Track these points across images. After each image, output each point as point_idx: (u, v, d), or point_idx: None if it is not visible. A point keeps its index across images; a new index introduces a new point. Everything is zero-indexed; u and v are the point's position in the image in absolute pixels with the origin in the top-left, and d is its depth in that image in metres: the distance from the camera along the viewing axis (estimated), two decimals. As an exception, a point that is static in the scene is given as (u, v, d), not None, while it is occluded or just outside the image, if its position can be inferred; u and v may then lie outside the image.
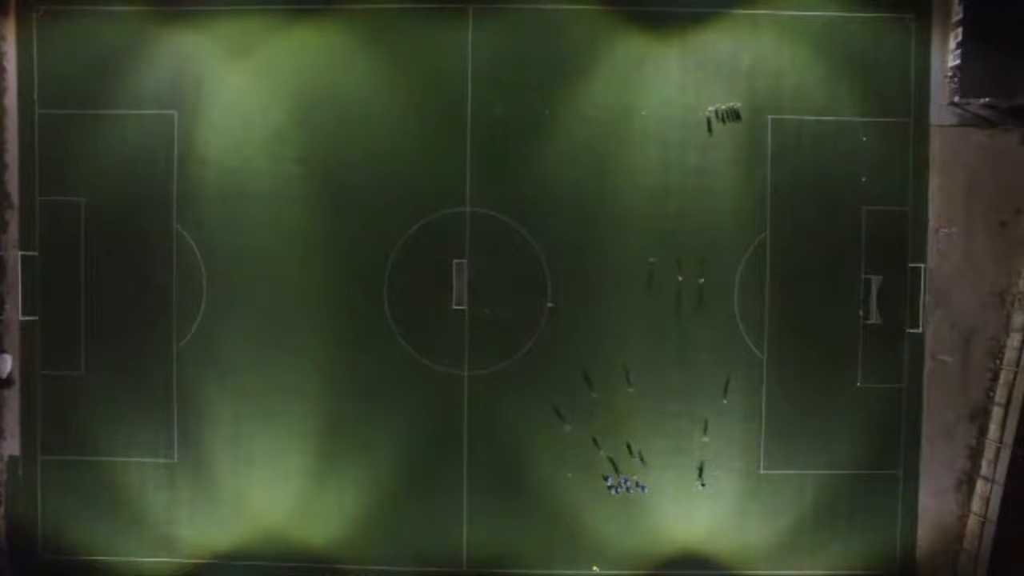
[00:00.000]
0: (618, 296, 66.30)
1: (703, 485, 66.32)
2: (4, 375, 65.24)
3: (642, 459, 66.56)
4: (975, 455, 65.72)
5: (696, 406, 66.34)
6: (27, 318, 65.67)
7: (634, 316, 66.26)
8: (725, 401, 66.05)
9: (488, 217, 66.09)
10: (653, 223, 66.12)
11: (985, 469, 65.08)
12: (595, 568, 66.49)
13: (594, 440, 66.50)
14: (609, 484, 66.17)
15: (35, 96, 65.51)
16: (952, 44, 64.44)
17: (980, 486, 65.24)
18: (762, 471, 66.21)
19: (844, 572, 66.41)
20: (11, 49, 65.20)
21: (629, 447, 66.60)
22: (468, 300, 66.13)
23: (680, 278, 65.75)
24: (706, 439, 66.24)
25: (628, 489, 65.99)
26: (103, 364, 66.21)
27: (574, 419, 66.27)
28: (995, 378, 65.14)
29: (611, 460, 66.58)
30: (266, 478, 66.26)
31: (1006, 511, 64.12)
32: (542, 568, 66.47)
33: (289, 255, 66.36)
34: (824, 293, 66.10)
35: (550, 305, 66.41)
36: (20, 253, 65.47)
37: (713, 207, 66.04)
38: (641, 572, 66.68)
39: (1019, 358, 63.69)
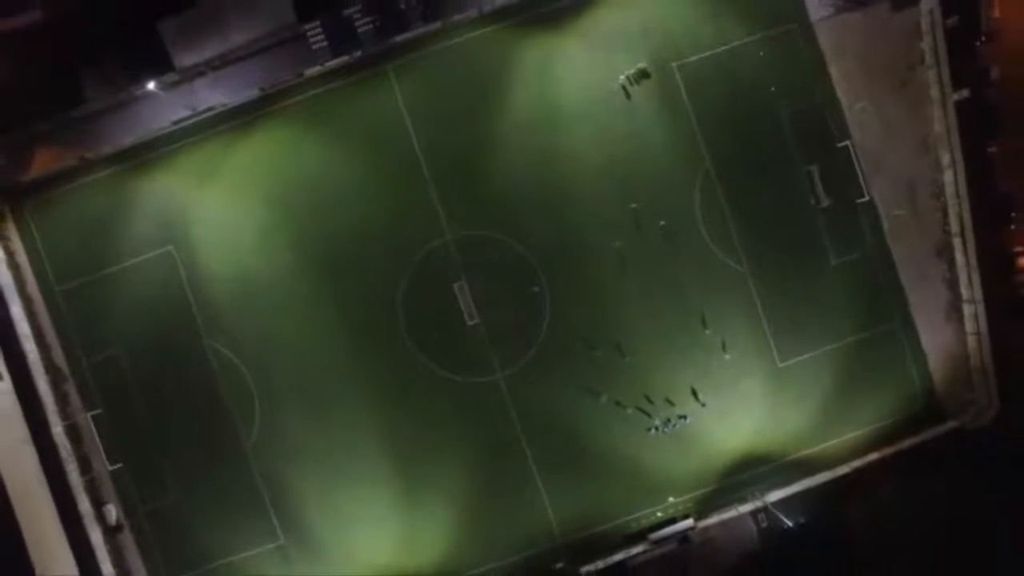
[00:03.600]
0: (603, 265, 72.85)
1: (703, 405, 73.17)
2: (113, 523, 71.38)
3: (669, 402, 73.22)
4: (953, 285, 72.70)
5: (701, 335, 73.04)
6: (114, 467, 71.69)
7: (623, 278, 72.83)
8: (708, 331, 72.85)
9: (469, 237, 72.51)
10: (608, 193, 72.74)
11: (965, 293, 72.07)
12: (670, 499, 73.25)
13: (617, 403, 73.01)
14: (652, 430, 73.02)
15: (51, 277, 71.37)
16: (808, -54, 71.70)
17: (967, 309, 72.24)
18: (779, 365, 73.08)
19: (878, 424, 73.42)
20: (18, 245, 71.06)
21: (648, 397, 73.12)
22: (478, 313, 72.69)
23: (663, 222, 72.67)
24: (727, 356, 72.97)
25: (675, 426, 72.79)
26: (190, 484, 72.23)
27: (604, 386, 72.95)
28: (945, 214, 72.02)
29: (643, 411, 73.08)
30: (364, 528, 72.52)
31: (995, 321, 71.34)
32: (626, 515, 73.13)
33: (311, 331, 72.49)
34: (775, 196, 72.82)
35: (535, 289, 72.93)
36: (88, 415, 71.56)
37: (654, 160, 72.71)
38: (710, 488, 73.39)
39: (957, 190, 70.66)
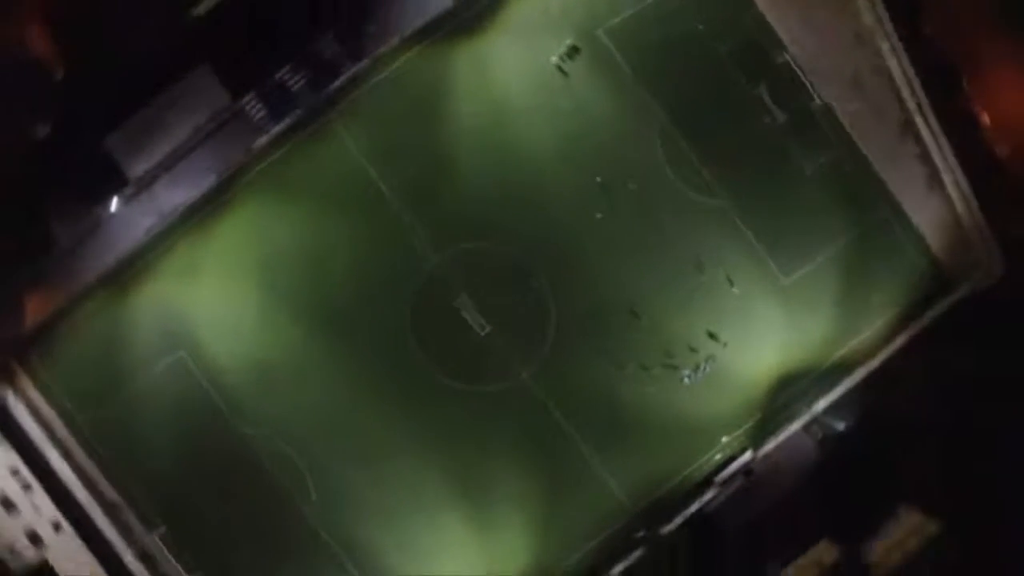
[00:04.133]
0: (590, 240, 74.14)
1: (725, 345, 74.73)
2: (207, 633, 72.48)
3: (692, 349, 74.71)
4: (926, 159, 74.13)
5: (702, 280, 74.56)
6: None
7: (613, 248, 74.16)
8: (704, 276, 74.30)
9: (455, 253, 73.48)
10: (573, 171, 73.89)
11: (940, 163, 73.68)
12: (723, 439, 74.73)
13: (643, 366, 74.48)
14: (685, 379, 74.61)
15: (76, 415, 71.04)
16: None
17: (946, 177, 73.84)
18: (784, 281, 74.81)
19: (896, 310, 75.30)
20: (37, 397, 70.42)
21: (668, 352, 74.63)
22: (487, 322, 73.65)
23: (632, 186, 73.97)
24: (736, 290, 74.62)
25: (706, 369, 74.46)
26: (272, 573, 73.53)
27: (626, 355, 74.38)
28: (898, 96, 73.39)
29: (671, 366, 74.58)
30: (447, 557, 73.30)
31: (976, 181, 73.69)
32: (686, 467, 74.53)
33: (336, 390, 72.99)
34: (732, 126, 74.07)
35: (532, 281, 74.07)
36: (154, 535, 71.47)
37: (608, 127, 73.74)
38: (757, 417, 75.05)
39: (904, 71, 72.30)
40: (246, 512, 72.78)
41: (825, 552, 71.37)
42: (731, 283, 74.38)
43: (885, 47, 72.35)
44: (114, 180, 70.55)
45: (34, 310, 70.74)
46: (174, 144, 70.84)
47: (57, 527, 68.55)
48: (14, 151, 68.77)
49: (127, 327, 71.90)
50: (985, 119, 73.10)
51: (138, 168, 70.44)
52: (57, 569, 67.66)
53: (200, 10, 69.90)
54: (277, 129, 72.07)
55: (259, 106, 71.42)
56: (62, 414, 71.24)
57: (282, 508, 72.80)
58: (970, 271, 75.15)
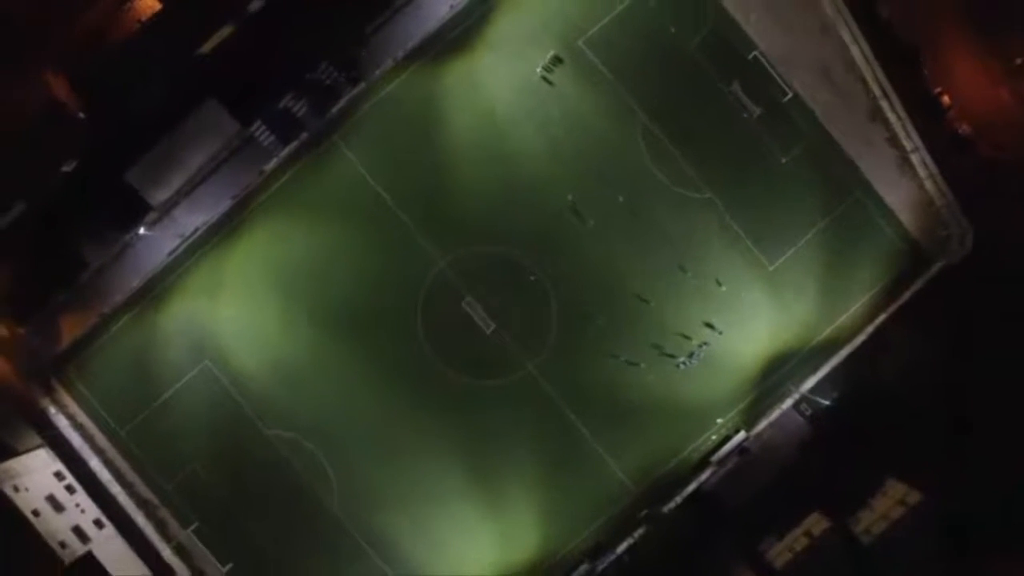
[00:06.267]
0: (584, 241, 77.94)
1: (720, 333, 78.30)
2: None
3: (685, 336, 78.19)
4: (894, 142, 77.02)
5: (693, 278, 78.03)
6: (226, 568, 77.19)
7: (607, 245, 77.93)
8: (689, 274, 77.55)
9: (459, 257, 77.88)
10: (568, 177, 77.86)
11: (908, 145, 76.68)
12: (718, 420, 78.30)
13: (638, 355, 78.16)
14: (681, 365, 78.10)
15: (113, 424, 77.23)
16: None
17: (914, 158, 76.78)
18: (771, 269, 77.98)
19: (877, 288, 78.43)
20: (76, 408, 77.00)
21: (657, 345, 78.31)
22: (493, 320, 77.93)
23: (621, 198, 77.63)
24: (723, 288, 77.92)
25: (700, 355, 77.83)
26: (297, 561, 78.10)
27: (620, 346, 78.23)
28: (864, 82, 76.20)
29: (667, 353, 78.17)
30: (464, 539, 78.26)
31: (942, 159, 76.34)
32: (684, 449, 78.68)
33: (354, 389, 78.18)
34: (711, 122, 77.74)
35: (532, 278, 78.10)
36: (188, 531, 77.09)
37: (594, 130, 77.89)
38: (750, 398, 78.42)
39: (866, 58, 75.28)
40: (274, 507, 78.13)
41: (815, 523, 74.41)
42: (719, 283, 77.78)
43: (847, 36, 75.25)
44: (138, 208, 76.30)
45: (69, 329, 76.93)
46: (190, 172, 76.59)
47: (100, 524, 75.13)
48: (46, 184, 75.32)
49: (155, 341, 77.74)
50: (946, 100, 75.90)
51: (159, 196, 76.17)
52: (101, 561, 72.71)
53: (205, 48, 75.85)
54: (285, 152, 77.43)
55: (267, 132, 76.63)
56: (99, 423, 77.42)
57: (307, 502, 78.02)
58: (944, 245, 77.80)
